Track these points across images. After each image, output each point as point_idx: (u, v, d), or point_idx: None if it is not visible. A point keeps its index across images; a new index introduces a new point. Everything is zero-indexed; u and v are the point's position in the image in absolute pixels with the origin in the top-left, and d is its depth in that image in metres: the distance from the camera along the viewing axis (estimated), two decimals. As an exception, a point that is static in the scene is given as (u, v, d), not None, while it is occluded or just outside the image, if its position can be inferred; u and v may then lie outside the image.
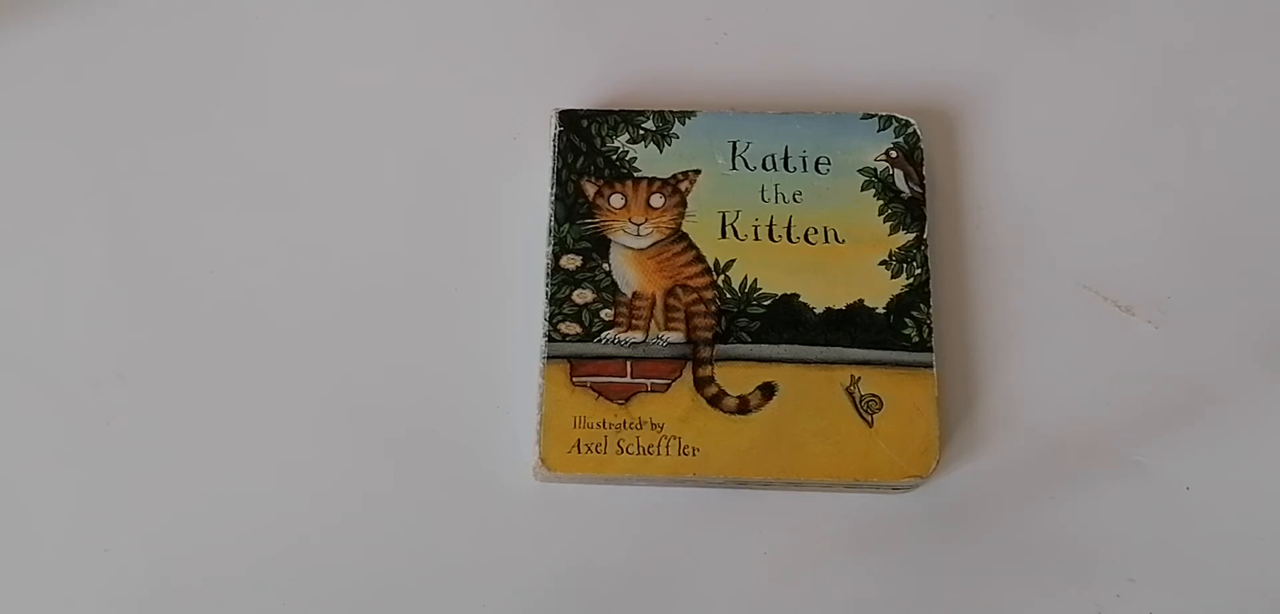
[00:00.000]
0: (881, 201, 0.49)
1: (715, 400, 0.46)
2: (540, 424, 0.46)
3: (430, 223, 0.51)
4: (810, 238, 0.49)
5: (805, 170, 0.50)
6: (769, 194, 0.49)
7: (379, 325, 0.49)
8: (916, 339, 0.47)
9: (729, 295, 0.48)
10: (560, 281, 0.48)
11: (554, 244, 0.49)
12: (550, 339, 0.47)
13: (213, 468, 0.47)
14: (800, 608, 0.46)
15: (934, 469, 0.46)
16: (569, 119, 0.51)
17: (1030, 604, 0.46)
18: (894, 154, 0.50)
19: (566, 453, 0.46)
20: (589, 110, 0.51)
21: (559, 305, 0.48)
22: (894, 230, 0.49)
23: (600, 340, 0.47)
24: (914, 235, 0.49)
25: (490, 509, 0.47)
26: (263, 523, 0.47)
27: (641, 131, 0.50)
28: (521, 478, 0.47)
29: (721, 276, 0.48)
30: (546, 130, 0.51)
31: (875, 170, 0.50)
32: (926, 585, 0.46)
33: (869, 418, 0.46)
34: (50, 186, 0.51)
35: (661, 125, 0.51)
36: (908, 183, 0.50)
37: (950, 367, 0.48)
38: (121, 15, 0.54)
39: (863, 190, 0.49)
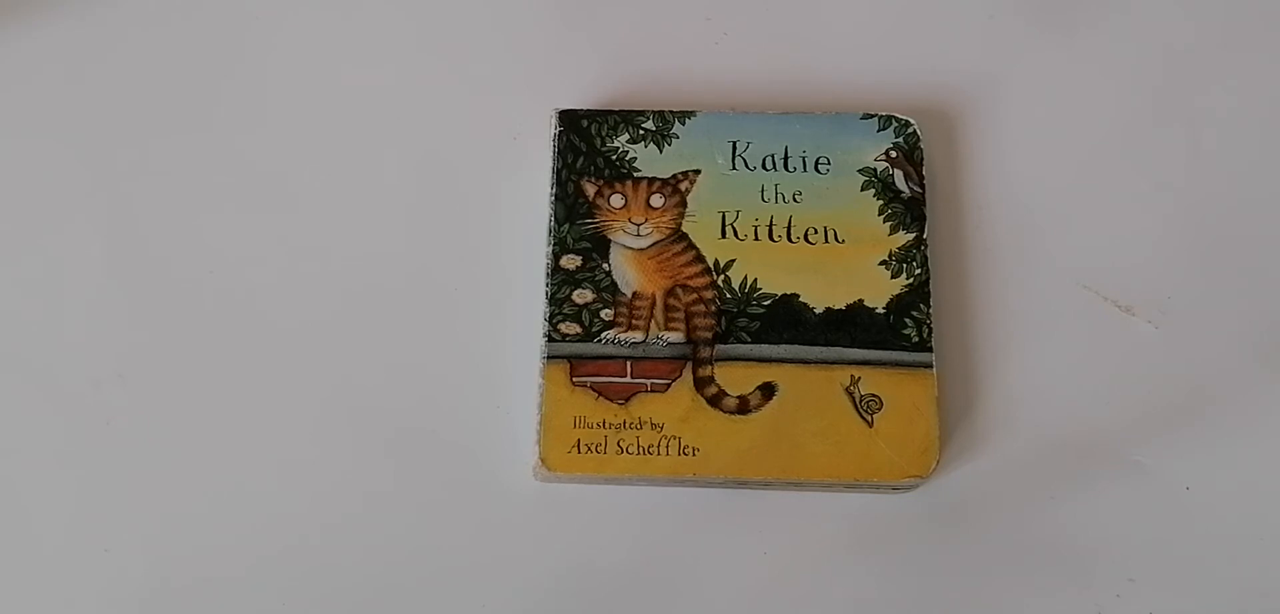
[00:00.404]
0: (881, 201, 0.49)
1: (715, 400, 0.46)
2: (540, 424, 0.46)
3: (430, 223, 0.51)
4: (810, 238, 0.49)
5: (805, 170, 0.50)
6: (769, 194, 0.49)
7: (379, 325, 0.49)
8: (916, 339, 0.47)
9: (729, 295, 0.48)
10: (560, 282, 0.48)
11: (554, 244, 0.49)
12: (550, 339, 0.47)
13: (213, 468, 0.47)
14: (800, 608, 0.46)
15: (934, 469, 0.46)
16: (569, 119, 0.51)
17: (1030, 604, 0.46)
18: (894, 154, 0.50)
19: (566, 453, 0.46)
20: (589, 110, 0.51)
21: (559, 305, 0.48)
22: (894, 230, 0.49)
23: (600, 340, 0.47)
24: (914, 235, 0.49)
25: (490, 509, 0.47)
26: (263, 523, 0.47)
27: (641, 131, 0.50)
28: (521, 478, 0.47)
29: (721, 277, 0.48)
30: (546, 130, 0.51)
31: (875, 170, 0.50)
32: (926, 585, 0.46)
33: (869, 418, 0.46)
34: (50, 186, 0.51)
35: (661, 125, 0.51)
36: (908, 183, 0.50)
37: (950, 367, 0.48)
38: (121, 15, 0.54)
39: (863, 190, 0.49)
